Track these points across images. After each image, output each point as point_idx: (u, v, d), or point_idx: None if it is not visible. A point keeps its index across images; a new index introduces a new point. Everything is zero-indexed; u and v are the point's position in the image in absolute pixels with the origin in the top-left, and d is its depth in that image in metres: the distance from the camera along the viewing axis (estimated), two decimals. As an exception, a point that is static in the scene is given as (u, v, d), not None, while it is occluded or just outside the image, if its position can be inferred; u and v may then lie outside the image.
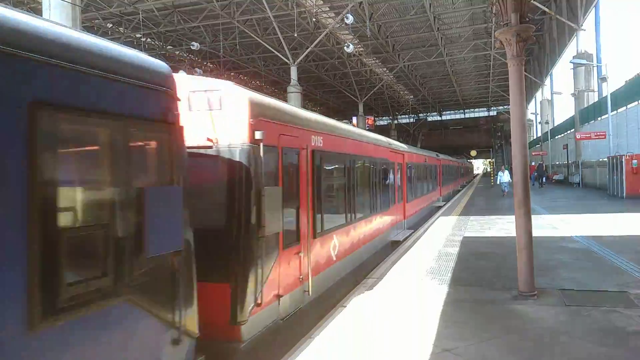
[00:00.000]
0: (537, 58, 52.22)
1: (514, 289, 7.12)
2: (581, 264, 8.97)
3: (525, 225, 6.77)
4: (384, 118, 77.31)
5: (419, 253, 10.66)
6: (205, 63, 44.63)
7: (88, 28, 32.12)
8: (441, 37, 38.86)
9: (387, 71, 50.84)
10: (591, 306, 6.36)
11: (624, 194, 23.20)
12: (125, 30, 34.54)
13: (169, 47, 40.48)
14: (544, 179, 37.94)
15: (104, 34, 33.80)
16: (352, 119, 58.59)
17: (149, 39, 37.97)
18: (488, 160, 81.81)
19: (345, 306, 6.82)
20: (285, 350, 5.43)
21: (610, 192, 25.17)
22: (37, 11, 23.99)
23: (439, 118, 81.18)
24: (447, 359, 4.83)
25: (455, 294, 7.16)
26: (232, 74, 47.97)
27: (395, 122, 75.86)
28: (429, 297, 7.00)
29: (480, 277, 8.18)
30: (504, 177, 28.93)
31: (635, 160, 23.20)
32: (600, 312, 6.11)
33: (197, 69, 39.50)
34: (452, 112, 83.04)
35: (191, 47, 34.47)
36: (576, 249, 10.43)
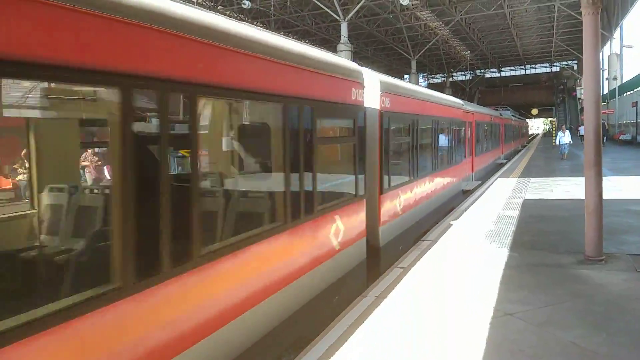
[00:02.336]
0: (606, 8, 48.48)
1: (579, 253, 6.82)
2: (652, 228, 8.48)
3: (596, 187, 6.41)
4: (438, 75, 74.81)
5: (478, 215, 10.39)
6: (255, 22, 44.39)
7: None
8: (502, -13, 36.68)
9: (443, 25, 48.76)
10: (665, 273, 6.01)
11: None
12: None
13: (219, 6, 40.41)
14: (604, 138, 36.55)
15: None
16: (404, 77, 57.06)
17: (199, -1, 38.00)
18: (549, 119, 78.07)
19: (401, 267, 6.77)
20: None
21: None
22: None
23: (497, 74, 77.68)
24: (509, 322, 4.70)
25: (516, 258, 6.95)
26: (282, 33, 47.54)
27: (450, 79, 73.29)
28: (489, 261, 6.82)
29: (542, 241, 7.88)
30: (564, 138, 26.39)
31: None
32: (676, 279, 5.77)
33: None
34: (512, 68, 79.16)
35: (242, 5, 34.18)
36: (646, 213, 9.85)
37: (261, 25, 44.72)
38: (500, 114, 28.08)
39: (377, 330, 4.63)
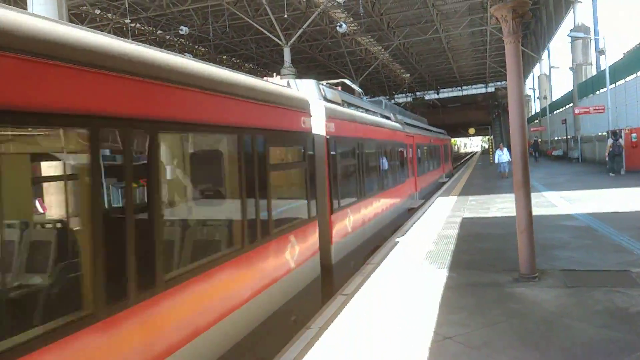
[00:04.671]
0: (534, 32, 51.62)
1: (515, 271, 7.02)
2: (582, 242, 8.87)
3: (526, 207, 6.65)
4: (380, 98, 76.74)
5: (418, 236, 10.56)
6: (196, 47, 44.06)
7: (76, 15, 31.57)
8: (436, 13, 38.30)
9: (383, 50, 50.29)
10: (593, 287, 6.26)
11: (624, 169, 23.03)
12: (114, 17, 33.96)
13: (159, 31, 39.90)
14: (537, 153, 41.98)
15: (92, 21, 33.25)
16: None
17: (138, 24, 37.39)
18: (487, 137, 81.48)
19: (344, 294, 6.73)
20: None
21: (610, 167, 25.01)
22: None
23: (436, 96, 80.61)
24: (449, 347, 4.74)
25: (455, 278, 7.07)
26: (224, 57, 47.40)
27: (392, 101, 75.28)
28: (428, 282, 6.91)
29: (480, 260, 8.08)
30: (503, 156, 25.15)
31: (635, 134, 23.00)
32: (602, 292, 6.02)
33: (186, 54, 38.97)
34: (449, 89, 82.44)
35: (179, 31, 33.95)
36: (576, 227, 10.33)
37: (202, 49, 44.48)
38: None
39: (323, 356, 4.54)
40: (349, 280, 7.56)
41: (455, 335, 4.97)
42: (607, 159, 22.45)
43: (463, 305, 5.88)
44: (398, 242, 10.05)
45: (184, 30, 33.30)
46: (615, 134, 22.50)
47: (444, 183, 26.31)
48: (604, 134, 24.71)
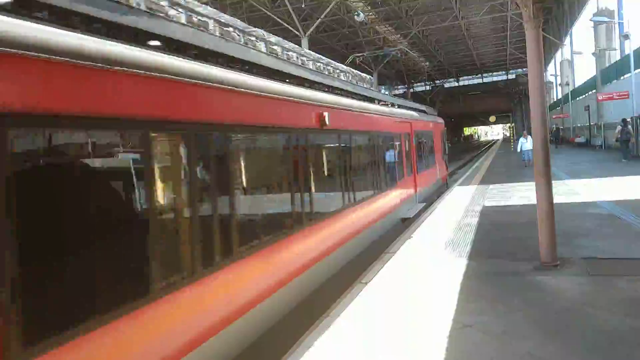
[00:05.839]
0: (555, 17, 50.44)
1: (536, 259, 6.97)
2: (605, 230, 8.74)
3: (546, 195, 6.58)
4: (399, 87, 76.12)
5: (437, 224, 10.53)
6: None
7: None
8: (456, 0, 37.73)
9: (401, 38, 49.78)
10: (616, 275, 6.19)
11: (633, 155, 22.59)
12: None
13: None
14: (557, 141, 42.56)
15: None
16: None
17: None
18: (508, 125, 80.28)
19: (363, 282, 6.77)
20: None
21: (634, 154, 24.48)
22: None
23: (456, 84, 79.59)
24: (468, 335, 4.75)
25: (475, 266, 7.05)
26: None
27: (411, 90, 74.62)
28: (447, 271, 6.90)
29: (501, 249, 8.03)
30: (527, 144, 23.36)
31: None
32: (626, 281, 5.94)
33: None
34: (469, 77, 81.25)
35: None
36: (599, 215, 10.17)
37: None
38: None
39: (340, 345, 4.59)
40: (368, 268, 7.59)
41: (475, 324, 4.97)
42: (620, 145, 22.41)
43: (483, 294, 5.87)
44: (416, 231, 10.04)
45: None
46: (624, 121, 22.22)
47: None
48: (628, 120, 24.12)
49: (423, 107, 19.10)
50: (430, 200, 15.48)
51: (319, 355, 4.56)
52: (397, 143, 12.22)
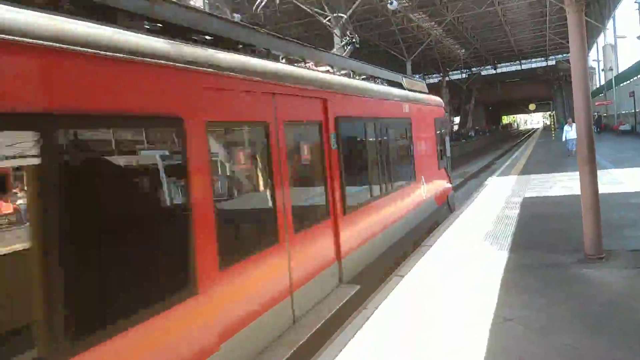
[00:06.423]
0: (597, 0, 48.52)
1: (579, 251, 6.76)
2: (653, 221, 8.40)
3: (591, 185, 6.36)
4: (434, 75, 74.81)
5: (476, 216, 10.34)
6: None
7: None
8: (492, -15, 36.73)
9: (435, 25, 48.87)
10: (666, 268, 5.95)
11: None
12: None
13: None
14: (598, 128, 41.60)
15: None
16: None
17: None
18: (548, 113, 77.92)
19: (400, 275, 6.73)
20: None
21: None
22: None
23: (493, 71, 77.65)
24: (509, 329, 4.66)
25: (516, 259, 6.89)
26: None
27: (447, 78, 73.20)
28: (487, 264, 6.78)
29: (542, 241, 7.83)
30: (571, 132, 21.96)
31: None
32: (676, 274, 5.71)
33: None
34: (507, 64, 79.08)
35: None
36: (647, 205, 9.78)
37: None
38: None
39: (380, 338, 4.59)
40: (404, 262, 7.53)
41: (515, 318, 4.87)
42: None
43: (524, 287, 5.74)
44: (454, 222, 9.89)
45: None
46: None
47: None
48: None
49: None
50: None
51: (362, 343, 4.56)
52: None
